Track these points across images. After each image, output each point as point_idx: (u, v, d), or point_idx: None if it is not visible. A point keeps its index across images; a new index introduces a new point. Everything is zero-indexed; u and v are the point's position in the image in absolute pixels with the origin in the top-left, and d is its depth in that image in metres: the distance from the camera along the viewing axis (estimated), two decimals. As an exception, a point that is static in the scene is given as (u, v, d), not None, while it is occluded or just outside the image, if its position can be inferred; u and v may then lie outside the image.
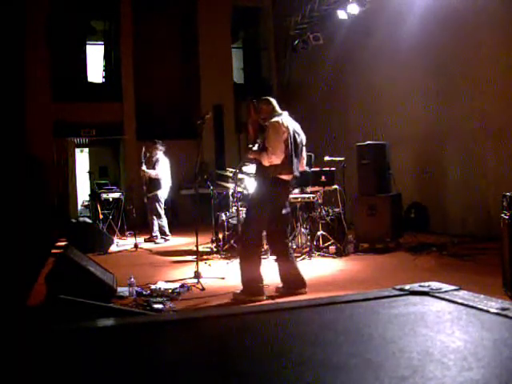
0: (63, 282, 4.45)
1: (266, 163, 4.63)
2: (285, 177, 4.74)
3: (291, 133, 4.72)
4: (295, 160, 4.74)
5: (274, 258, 5.20)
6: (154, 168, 9.20)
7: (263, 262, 6.85)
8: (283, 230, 5.01)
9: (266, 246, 7.13)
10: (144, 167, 9.08)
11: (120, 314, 3.19)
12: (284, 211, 4.91)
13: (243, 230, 5.06)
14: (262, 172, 4.76)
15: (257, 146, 4.83)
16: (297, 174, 4.87)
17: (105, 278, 4.84)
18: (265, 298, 4.70)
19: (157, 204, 9.20)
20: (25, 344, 0.90)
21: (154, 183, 9.20)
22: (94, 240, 8.08)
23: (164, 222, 9.35)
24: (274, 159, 4.59)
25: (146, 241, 9.27)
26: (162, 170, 9.23)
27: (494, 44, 7.63)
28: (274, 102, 4.93)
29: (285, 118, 4.79)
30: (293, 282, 4.89)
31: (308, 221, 7.24)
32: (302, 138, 4.91)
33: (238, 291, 4.78)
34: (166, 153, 9.45)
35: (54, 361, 0.82)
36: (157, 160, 9.24)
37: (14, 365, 0.80)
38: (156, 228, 9.34)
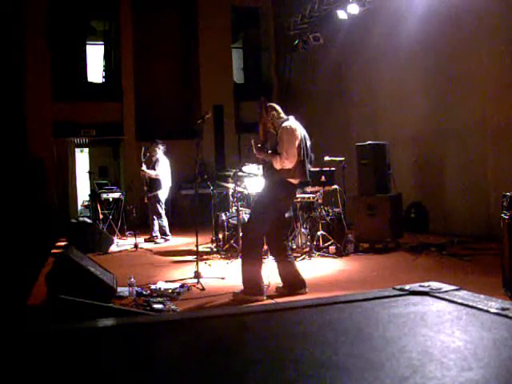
0: (63, 282, 4.44)
1: (277, 167, 4.66)
2: (294, 181, 4.78)
3: (302, 138, 4.77)
4: (307, 165, 4.80)
5: (274, 258, 5.21)
6: (153, 168, 9.20)
7: (264, 261, 6.86)
8: (283, 232, 5.03)
9: (265, 247, 7.13)
10: (144, 167, 9.08)
11: (120, 314, 3.19)
12: (287, 214, 4.94)
13: (246, 229, 5.05)
14: (272, 174, 4.77)
15: (266, 147, 4.87)
16: (307, 178, 4.92)
17: (105, 278, 4.84)
18: (265, 297, 4.71)
19: (157, 204, 9.20)
20: (25, 344, 0.90)
21: (155, 183, 9.20)
22: (93, 240, 8.08)
23: (164, 221, 9.35)
24: (287, 164, 4.63)
25: (146, 241, 9.27)
26: (162, 170, 9.23)
27: (494, 43, 7.63)
28: (278, 107, 4.99)
29: (296, 123, 4.84)
30: (293, 282, 4.90)
31: (308, 221, 7.24)
32: (309, 142, 4.95)
33: (238, 291, 4.79)
34: (166, 153, 9.45)
35: (54, 361, 0.82)
36: (157, 160, 9.24)
37: (14, 365, 0.80)
38: (156, 228, 9.34)
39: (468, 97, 8.14)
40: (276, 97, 14.86)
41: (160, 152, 9.30)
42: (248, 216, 5.14)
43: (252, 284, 4.70)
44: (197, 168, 5.96)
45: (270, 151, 4.81)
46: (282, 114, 4.94)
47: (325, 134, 11.83)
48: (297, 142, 4.69)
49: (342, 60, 11.21)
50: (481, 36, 7.84)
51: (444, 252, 6.77)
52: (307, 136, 4.92)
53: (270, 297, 4.80)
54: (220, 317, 1.09)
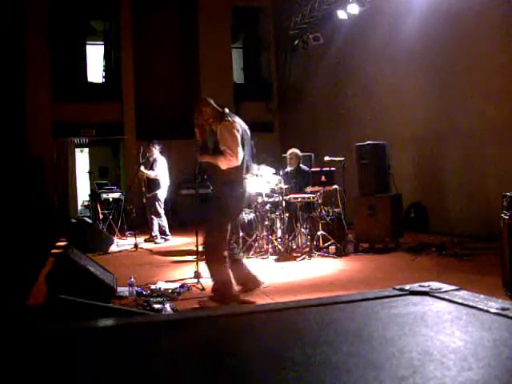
0: (63, 282, 4.44)
1: (224, 166, 4.37)
2: (244, 176, 4.55)
3: (242, 130, 4.50)
4: (249, 156, 4.58)
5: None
6: (152, 168, 9.19)
7: (264, 262, 6.86)
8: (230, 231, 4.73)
9: (266, 247, 7.13)
10: (142, 168, 9.07)
11: (120, 314, 3.19)
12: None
13: (209, 237, 4.58)
14: (220, 176, 4.47)
15: (207, 149, 4.61)
16: (254, 171, 4.76)
17: (105, 278, 4.85)
18: (239, 299, 4.57)
19: (156, 204, 9.20)
20: (25, 344, 0.90)
21: (153, 183, 9.20)
22: (93, 240, 8.08)
23: (164, 221, 9.35)
24: (235, 161, 4.34)
25: (146, 241, 9.27)
26: (161, 170, 9.23)
27: (494, 43, 7.63)
28: (211, 101, 4.67)
29: (233, 116, 4.56)
30: (245, 280, 4.76)
31: (308, 221, 7.24)
32: (249, 131, 4.69)
33: (206, 298, 4.64)
34: (163, 152, 9.44)
35: (54, 361, 0.82)
36: (154, 160, 9.23)
37: (14, 365, 0.80)
38: (156, 228, 9.33)
39: (468, 96, 8.14)
40: (276, 97, 14.86)
41: (157, 152, 9.31)
42: (205, 223, 4.68)
43: (223, 290, 4.52)
44: (197, 168, 5.95)
45: (213, 152, 4.50)
46: (217, 107, 4.61)
47: (325, 134, 11.84)
48: (239, 136, 4.39)
49: (342, 60, 11.21)
50: (481, 35, 7.84)
51: (444, 252, 6.77)
52: (247, 128, 4.66)
53: (268, 296, 4.80)
54: (220, 317, 1.09)
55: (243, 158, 4.43)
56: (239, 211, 4.74)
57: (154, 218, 9.28)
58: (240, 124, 4.52)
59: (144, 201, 9.31)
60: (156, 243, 9.18)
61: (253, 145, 7.11)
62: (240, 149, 4.37)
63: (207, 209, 4.77)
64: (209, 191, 8.26)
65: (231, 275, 4.58)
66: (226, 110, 4.62)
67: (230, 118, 4.47)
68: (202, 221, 4.85)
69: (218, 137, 4.43)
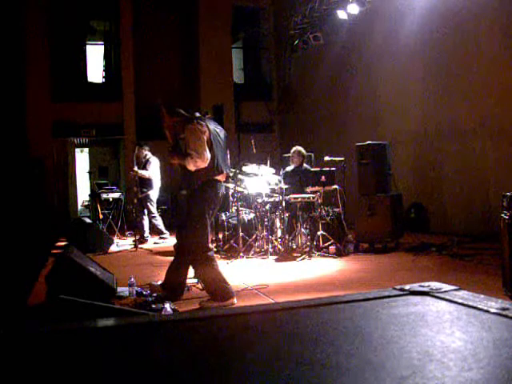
0: (63, 282, 4.44)
1: (191, 168, 4.42)
2: (219, 177, 4.57)
3: (212, 131, 4.54)
4: (222, 158, 4.60)
5: (174, 255, 4.86)
6: (144, 168, 9.17)
7: (264, 262, 6.86)
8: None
9: (266, 247, 7.13)
10: (136, 168, 9.02)
11: (120, 314, 3.19)
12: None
13: (190, 242, 4.54)
14: (191, 177, 4.52)
15: (178, 151, 4.62)
16: (228, 171, 4.77)
17: (105, 278, 4.84)
18: (235, 300, 4.52)
19: (149, 204, 9.18)
20: (25, 344, 0.90)
21: (146, 184, 9.16)
22: (94, 240, 8.08)
23: (159, 221, 9.32)
24: (200, 163, 4.38)
25: (134, 241, 8.99)
26: (154, 170, 9.24)
27: (494, 43, 7.64)
28: (181, 110, 4.73)
29: (200, 118, 4.60)
30: (174, 287, 4.74)
31: (308, 221, 7.25)
32: (224, 133, 4.74)
33: (205, 299, 4.61)
34: (155, 153, 9.43)
35: (54, 361, 0.82)
36: (147, 161, 9.22)
37: (14, 365, 0.80)
38: (146, 229, 9.31)
39: (468, 96, 8.15)
40: (276, 97, 14.86)
41: (149, 153, 9.30)
42: (185, 227, 4.62)
43: (220, 291, 4.49)
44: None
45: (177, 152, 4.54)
46: (184, 113, 4.69)
47: (325, 134, 11.84)
48: (205, 137, 4.42)
49: (342, 60, 11.22)
50: (481, 35, 7.85)
51: (444, 252, 6.78)
52: (220, 127, 4.70)
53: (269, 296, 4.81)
54: (220, 317, 1.09)
55: (215, 160, 4.48)
56: (214, 211, 4.68)
57: (144, 218, 9.25)
58: (207, 125, 4.55)
59: (134, 201, 9.22)
60: (155, 243, 9.17)
61: (253, 145, 7.16)
62: (204, 149, 4.41)
63: (184, 211, 4.76)
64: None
65: (221, 272, 4.56)
66: (197, 114, 4.68)
67: (195, 121, 4.52)
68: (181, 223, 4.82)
69: (185, 140, 4.50)
